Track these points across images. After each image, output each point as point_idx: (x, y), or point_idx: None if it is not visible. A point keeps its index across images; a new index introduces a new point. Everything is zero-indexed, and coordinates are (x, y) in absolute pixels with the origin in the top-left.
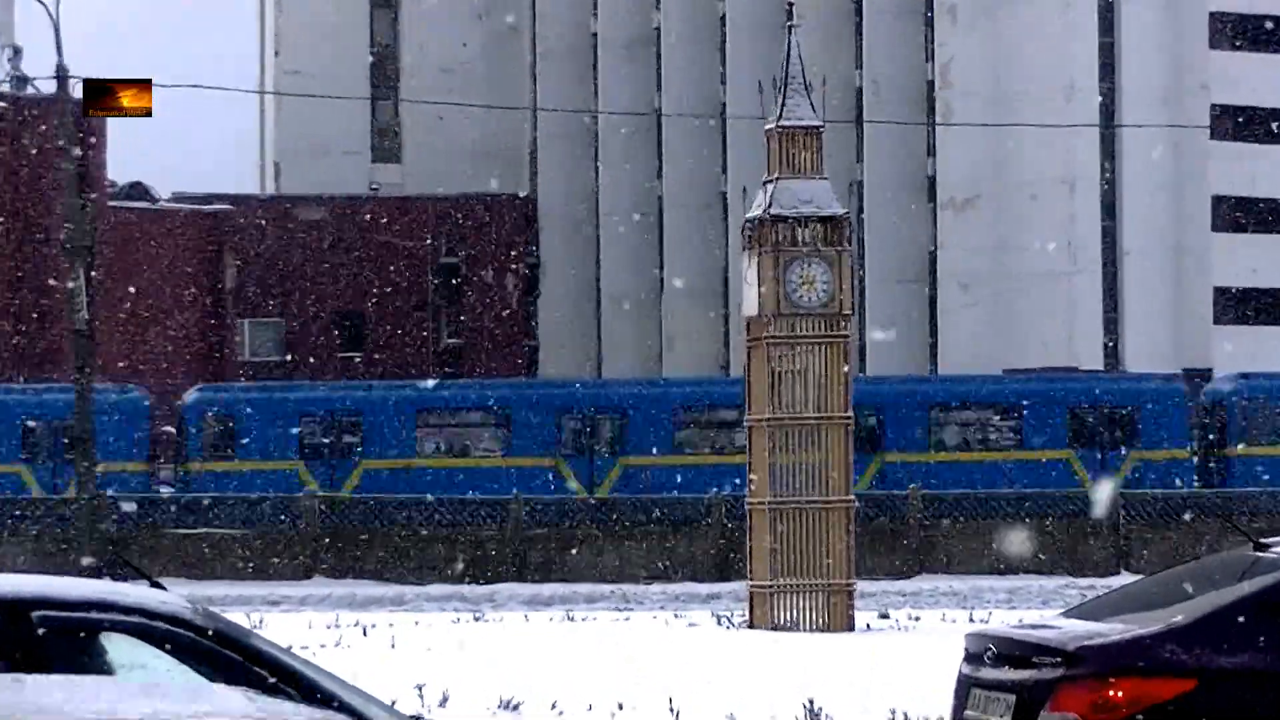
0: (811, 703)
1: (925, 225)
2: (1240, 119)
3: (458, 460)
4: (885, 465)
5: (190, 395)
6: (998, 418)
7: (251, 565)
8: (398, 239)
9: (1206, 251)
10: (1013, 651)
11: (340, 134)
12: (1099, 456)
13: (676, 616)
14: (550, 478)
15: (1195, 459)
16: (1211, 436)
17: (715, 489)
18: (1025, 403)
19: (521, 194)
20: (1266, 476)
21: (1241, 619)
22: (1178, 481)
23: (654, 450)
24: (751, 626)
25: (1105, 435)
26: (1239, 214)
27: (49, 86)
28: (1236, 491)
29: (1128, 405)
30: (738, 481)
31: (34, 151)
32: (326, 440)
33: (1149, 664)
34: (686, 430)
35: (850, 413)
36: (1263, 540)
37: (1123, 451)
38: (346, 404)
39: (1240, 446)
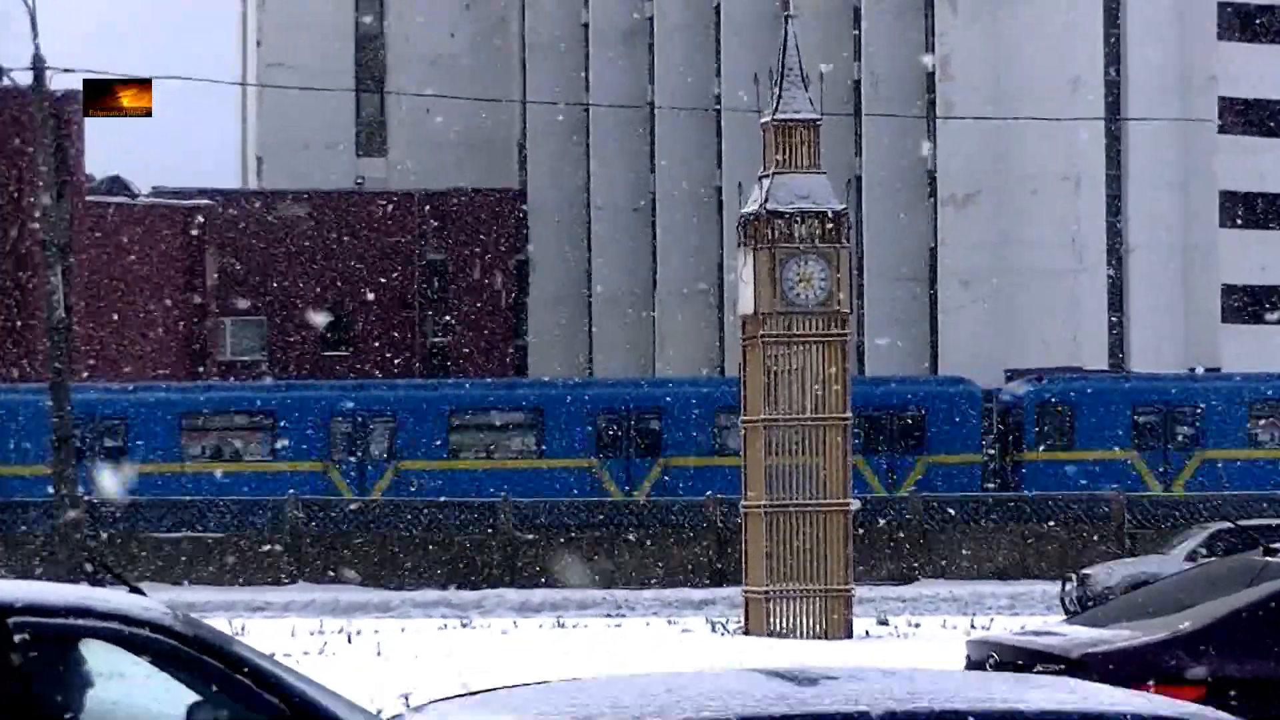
0: None
1: (925, 221)
2: (1249, 112)
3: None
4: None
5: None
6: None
7: (234, 570)
8: (383, 235)
9: (1214, 248)
10: (1015, 659)
11: (324, 127)
12: (888, 462)
13: (670, 623)
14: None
15: (990, 464)
16: (1010, 440)
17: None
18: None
19: (511, 189)
20: (1061, 482)
21: (1250, 625)
22: (982, 485)
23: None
24: (747, 633)
25: (896, 440)
26: (1247, 210)
27: (25, 78)
28: (1250, 495)
29: (918, 409)
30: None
31: (15, 142)
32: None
33: (1155, 672)
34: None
35: (849, 413)
36: (1273, 546)
37: (913, 456)
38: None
39: (1034, 451)
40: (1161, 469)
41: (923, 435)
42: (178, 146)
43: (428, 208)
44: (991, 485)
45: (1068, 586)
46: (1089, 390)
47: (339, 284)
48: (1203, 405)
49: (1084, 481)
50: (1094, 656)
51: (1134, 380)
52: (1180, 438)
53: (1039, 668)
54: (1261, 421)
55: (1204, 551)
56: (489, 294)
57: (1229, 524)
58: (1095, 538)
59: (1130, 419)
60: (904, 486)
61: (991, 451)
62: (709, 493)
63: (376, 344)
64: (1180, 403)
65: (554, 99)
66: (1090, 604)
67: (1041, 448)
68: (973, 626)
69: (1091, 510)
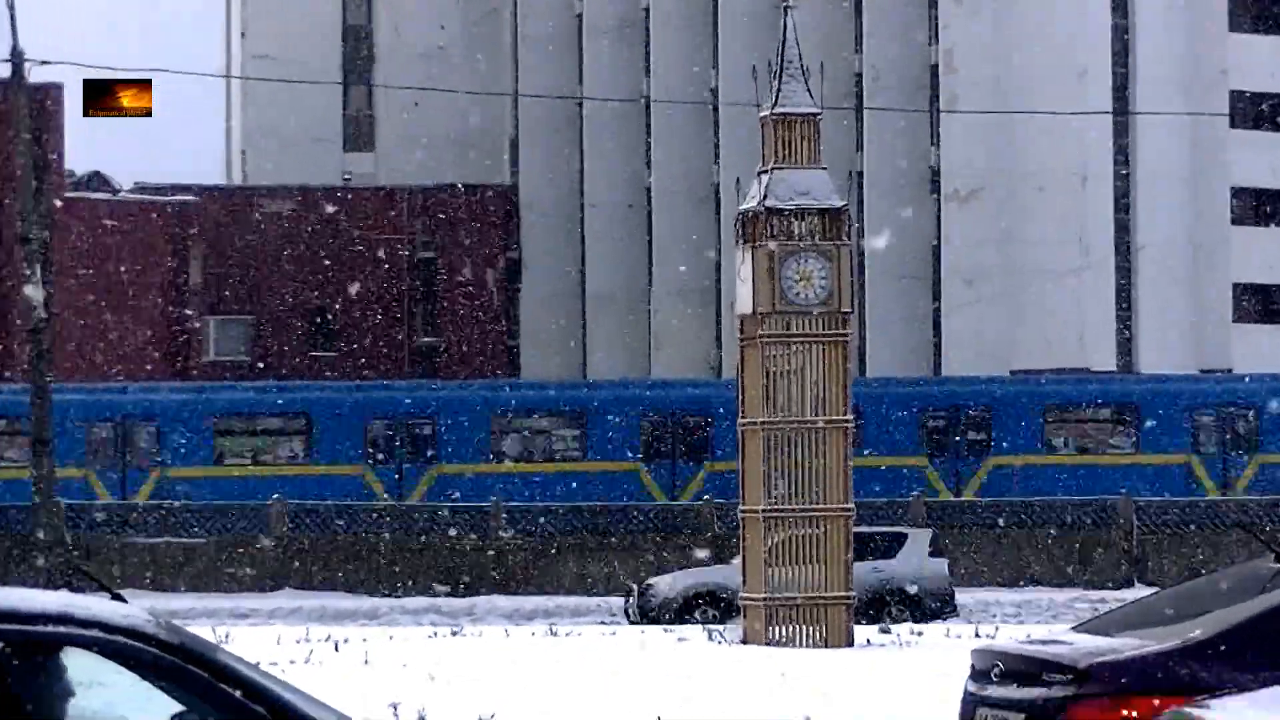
0: None
1: (928, 218)
2: (1261, 106)
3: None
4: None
5: None
6: (563, 428)
7: (218, 576)
8: (371, 232)
9: (1225, 246)
10: (1021, 668)
11: (311, 121)
12: (669, 469)
13: (666, 631)
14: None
15: None
16: None
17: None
18: (594, 410)
19: (502, 185)
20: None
21: (1264, 634)
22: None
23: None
24: (745, 642)
25: (678, 447)
26: (1259, 206)
27: (2, 70)
28: (1264, 500)
29: (705, 413)
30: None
31: None
32: None
33: (1165, 682)
34: None
35: (850, 415)
36: None
37: (695, 462)
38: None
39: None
40: (957, 476)
41: (706, 441)
42: (160, 141)
43: (417, 204)
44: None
45: (630, 598)
46: (876, 393)
47: (326, 282)
48: (992, 409)
49: (877, 488)
50: (1102, 666)
51: (921, 384)
52: (972, 443)
53: (1046, 677)
54: (1055, 425)
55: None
56: (480, 293)
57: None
58: (1101, 544)
59: (918, 422)
60: (687, 494)
61: None
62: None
63: (364, 344)
64: (970, 406)
65: (547, 92)
66: (652, 615)
67: None
68: (977, 635)
69: (1099, 516)
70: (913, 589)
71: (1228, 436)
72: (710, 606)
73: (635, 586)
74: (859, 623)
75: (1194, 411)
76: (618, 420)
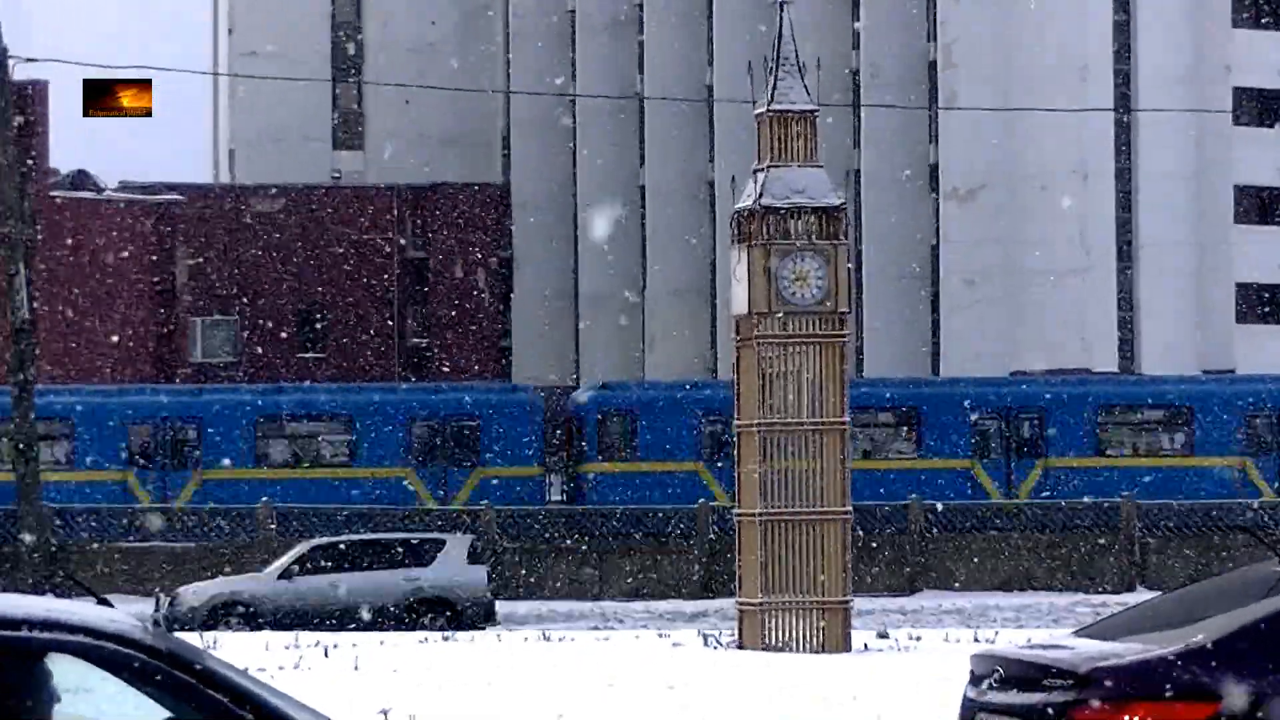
0: None
1: (927, 217)
2: (1265, 103)
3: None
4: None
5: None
6: (331, 432)
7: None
8: (361, 231)
9: (1228, 245)
10: (1021, 673)
11: (299, 119)
12: (441, 474)
13: (660, 636)
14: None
15: (551, 474)
16: (574, 451)
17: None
18: (359, 415)
19: (494, 183)
20: (619, 495)
21: (1268, 638)
22: (542, 496)
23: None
24: (741, 647)
25: (449, 450)
26: (1263, 205)
27: None
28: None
29: (472, 418)
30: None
31: None
32: None
33: (1168, 687)
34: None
35: (847, 417)
36: None
37: (466, 468)
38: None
39: (595, 462)
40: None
41: (478, 446)
42: (147, 139)
43: (408, 203)
44: (559, 498)
45: (159, 606)
46: (651, 398)
47: (315, 283)
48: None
49: (656, 495)
50: (1104, 670)
51: (701, 387)
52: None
53: (1046, 682)
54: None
55: (296, 569)
56: (472, 293)
57: (321, 542)
58: (1107, 548)
59: (699, 428)
60: (457, 499)
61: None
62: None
63: (354, 345)
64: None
65: (539, 89)
66: (177, 625)
67: (603, 458)
68: (976, 639)
69: (1103, 519)
70: (450, 596)
71: None
72: (233, 616)
73: (162, 595)
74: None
75: (1247, 413)
76: (387, 426)
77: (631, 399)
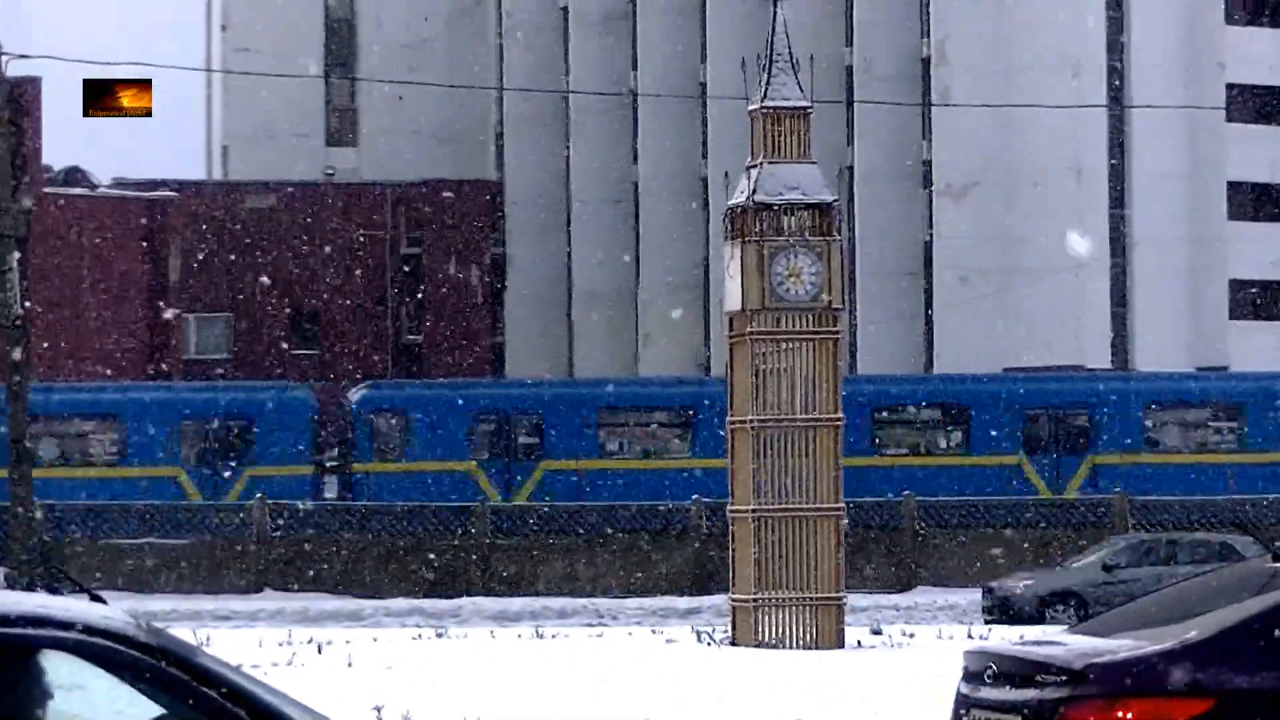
0: None
1: (921, 214)
2: (1259, 99)
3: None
4: None
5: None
6: (100, 431)
7: (199, 578)
8: (354, 228)
9: (1222, 242)
10: (1015, 670)
11: (292, 115)
12: (214, 473)
13: (654, 633)
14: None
15: (322, 474)
16: (347, 450)
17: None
18: (126, 414)
19: (487, 180)
20: (389, 495)
21: (1262, 635)
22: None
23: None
24: (734, 643)
25: (220, 449)
26: (1257, 202)
27: None
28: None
29: (242, 417)
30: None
31: None
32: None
33: (1161, 683)
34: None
35: (841, 414)
36: None
37: (236, 466)
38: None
39: (365, 462)
40: (506, 481)
41: (249, 444)
42: (140, 136)
43: (400, 200)
44: (331, 495)
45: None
46: (422, 398)
47: (308, 279)
48: (543, 413)
49: (430, 494)
50: (1097, 667)
51: (473, 386)
52: (524, 447)
53: (1040, 679)
54: (608, 430)
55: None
56: (464, 290)
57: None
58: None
59: (469, 427)
60: (229, 497)
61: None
62: None
63: (347, 342)
64: (524, 410)
65: (532, 85)
66: None
67: (375, 458)
68: (970, 636)
69: (1092, 514)
70: None
71: None
72: None
73: None
74: None
75: None
76: (158, 424)
77: (401, 398)
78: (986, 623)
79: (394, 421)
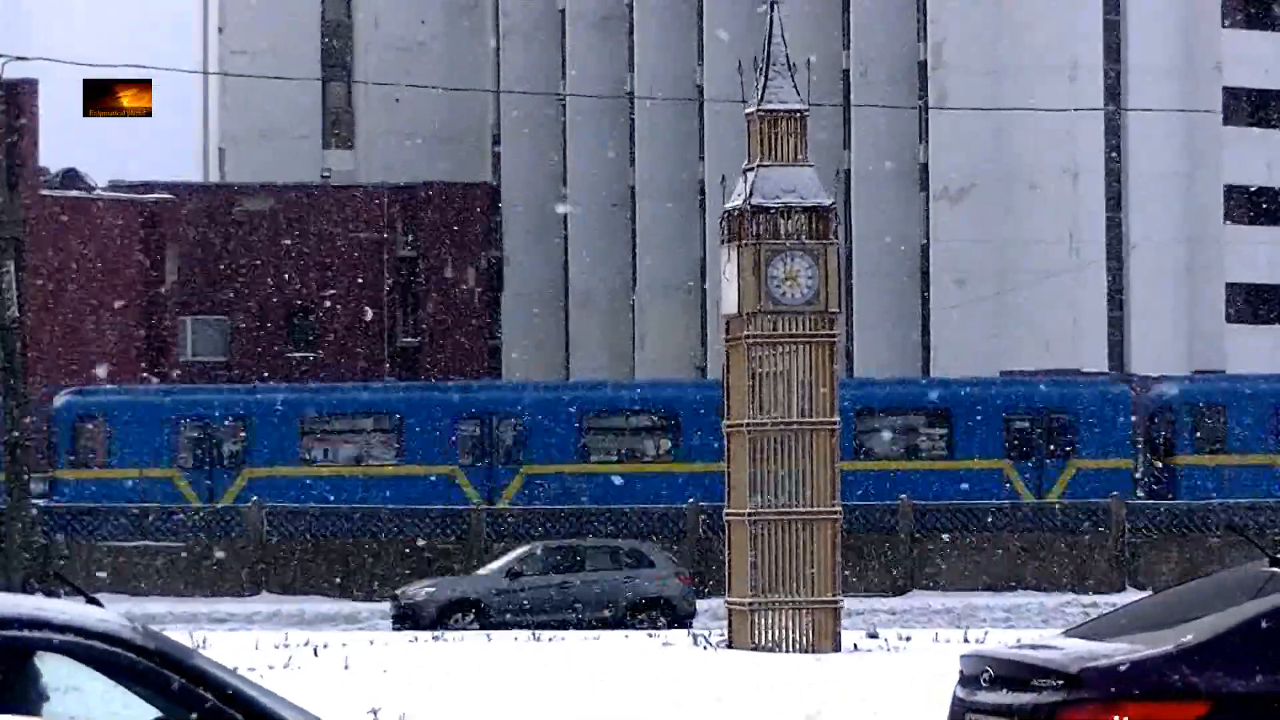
0: None
1: (917, 216)
2: (1255, 102)
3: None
4: None
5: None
6: None
7: (195, 580)
8: (351, 230)
9: (1219, 245)
10: (1011, 674)
11: (289, 117)
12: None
13: (650, 636)
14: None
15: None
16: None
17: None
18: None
19: (484, 182)
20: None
21: (1257, 638)
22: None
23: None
24: (730, 647)
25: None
26: (1254, 204)
27: None
28: (1259, 503)
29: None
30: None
31: None
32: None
33: (1157, 687)
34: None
35: (837, 417)
36: None
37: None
38: None
39: (69, 469)
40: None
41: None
42: (137, 138)
43: (397, 202)
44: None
45: None
46: (122, 404)
47: (305, 282)
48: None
49: (130, 498)
50: (1093, 671)
51: (180, 393)
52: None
53: (1036, 682)
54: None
55: None
56: (461, 292)
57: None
58: (1091, 548)
59: (175, 434)
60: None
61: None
62: None
63: (344, 344)
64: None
65: (528, 88)
66: None
67: (78, 464)
68: (966, 640)
69: (1092, 518)
70: None
71: None
72: None
73: None
74: None
75: None
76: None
77: (101, 404)
78: (395, 629)
79: (96, 428)
